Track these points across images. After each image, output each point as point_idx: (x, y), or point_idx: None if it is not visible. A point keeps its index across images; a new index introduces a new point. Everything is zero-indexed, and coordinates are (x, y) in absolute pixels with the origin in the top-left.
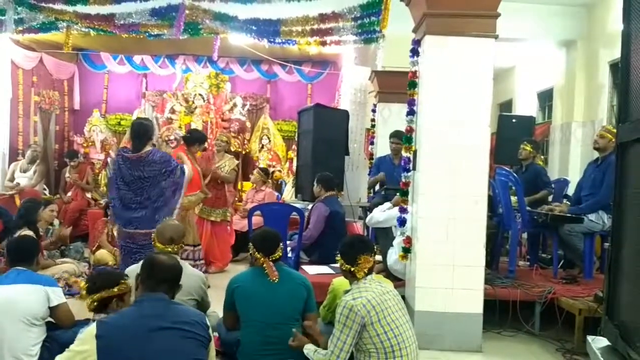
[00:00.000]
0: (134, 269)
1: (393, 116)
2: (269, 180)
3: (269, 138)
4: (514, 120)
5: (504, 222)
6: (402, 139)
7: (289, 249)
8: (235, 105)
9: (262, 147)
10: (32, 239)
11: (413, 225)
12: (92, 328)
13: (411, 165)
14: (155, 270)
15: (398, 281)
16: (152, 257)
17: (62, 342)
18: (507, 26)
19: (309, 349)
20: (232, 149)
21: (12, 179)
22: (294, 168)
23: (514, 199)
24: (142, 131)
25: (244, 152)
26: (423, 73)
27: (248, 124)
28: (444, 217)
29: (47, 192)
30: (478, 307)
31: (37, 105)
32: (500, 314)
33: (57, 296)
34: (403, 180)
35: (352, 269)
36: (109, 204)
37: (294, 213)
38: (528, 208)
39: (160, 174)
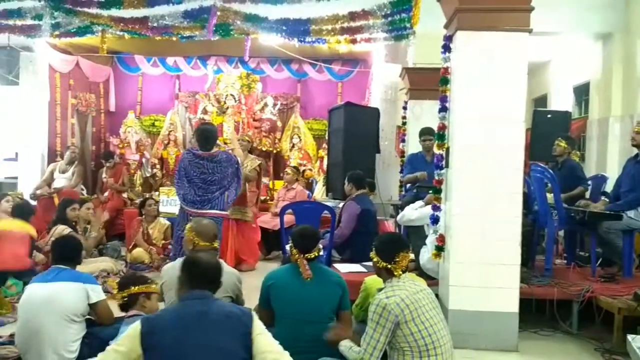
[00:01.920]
0: (170, 267)
1: (424, 113)
2: (300, 179)
3: (299, 137)
4: (549, 116)
5: (539, 219)
6: (435, 135)
7: (320, 246)
8: (266, 105)
9: (293, 146)
10: (76, 238)
11: (446, 223)
12: (137, 325)
13: (444, 163)
14: (200, 270)
15: (431, 280)
16: (195, 256)
17: (101, 338)
18: (542, 19)
19: (344, 345)
20: (263, 149)
21: (50, 180)
22: (325, 167)
23: (549, 195)
24: (207, 134)
25: (274, 152)
26: (455, 69)
27: (279, 124)
28: (478, 214)
29: (84, 192)
30: (514, 306)
31: (74, 108)
32: (536, 313)
33: (96, 293)
34: (436, 177)
35: (389, 267)
36: (178, 198)
37: (326, 211)
38: (564, 205)
39: (226, 169)
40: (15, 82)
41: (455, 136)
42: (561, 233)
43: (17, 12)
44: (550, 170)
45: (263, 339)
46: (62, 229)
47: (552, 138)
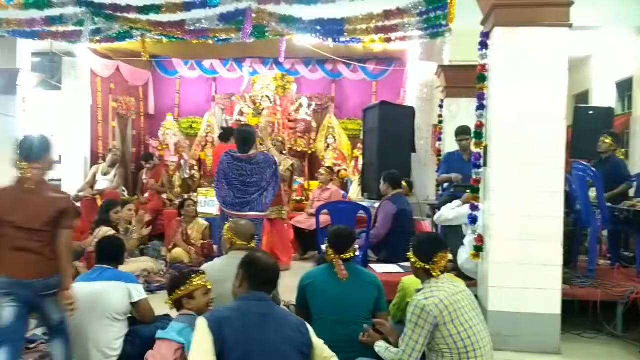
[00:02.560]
0: (208, 267)
1: (461, 111)
2: (335, 179)
3: (334, 137)
4: (591, 112)
5: (582, 218)
6: (472, 134)
7: (356, 247)
8: (301, 105)
9: (328, 146)
10: (119, 239)
11: (485, 223)
12: (201, 323)
13: (482, 161)
14: (261, 271)
15: (469, 281)
16: (257, 256)
17: (143, 336)
18: (581, 14)
19: (380, 346)
20: (298, 149)
21: (92, 182)
22: (360, 166)
23: (592, 194)
24: (246, 136)
25: (309, 152)
26: (493, 66)
27: (314, 124)
28: (518, 214)
29: (125, 193)
30: (556, 308)
31: (115, 111)
32: (579, 315)
33: (138, 292)
34: (474, 176)
35: (427, 267)
36: (219, 199)
37: (361, 211)
38: (608, 204)
39: (264, 171)
40: (58, 87)
41: (493, 134)
42: (604, 233)
43: (59, 18)
44: (593, 168)
45: (319, 345)
46: (105, 231)
47: (594, 135)
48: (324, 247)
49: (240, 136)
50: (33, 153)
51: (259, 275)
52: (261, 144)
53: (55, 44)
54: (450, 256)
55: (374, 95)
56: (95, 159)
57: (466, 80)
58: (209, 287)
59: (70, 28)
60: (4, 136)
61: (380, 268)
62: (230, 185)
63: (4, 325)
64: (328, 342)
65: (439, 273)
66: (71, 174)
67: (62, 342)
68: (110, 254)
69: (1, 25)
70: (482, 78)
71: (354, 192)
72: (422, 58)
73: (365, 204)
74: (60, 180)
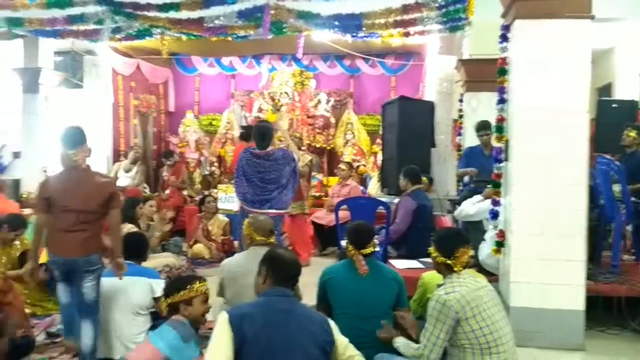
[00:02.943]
0: (227, 262)
1: (482, 105)
2: (354, 175)
3: (353, 133)
4: (614, 105)
5: (606, 213)
6: (493, 128)
7: (376, 242)
8: (319, 101)
9: (347, 142)
10: (142, 235)
11: (506, 218)
12: (223, 318)
13: (503, 156)
14: (284, 266)
15: (491, 276)
16: (279, 252)
17: None
18: (604, 5)
19: (400, 342)
20: (317, 145)
21: (115, 179)
22: (379, 162)
23: (616, 189)
24: (264, 131)
25: (328, 148)
26: (513, 59)
27: (332, 120)
28: (540, 209)
29: (147, 190)
30: (579, 304)
31: (136, 109)
32: (603, 311)
33: (160, 287)
34: (495, 171)
35: (449, 262)
36: (238, 196)
37: (381, 207)
38: (632, 198)
39: (283, 167)
40: (80, 86)
41: (514, 128)
42: (629, 228)
43: (80, 17)
44: (617, 162)
45: (343, 343)
46: (129, 227)
47: (618, 129)
48: (343, 242)
49: (259, 132)
50: (75, 141)
51: (282, 271)
52: (281, 140)
53: (76, 42)
54: (472, 251)
55: (392, 90)
56: (117, 157)
57: (486, 74)
58: (208, 295)
59: (91, 27)
60: (28, 134)
61: (400, 264)
62: (250, 182)
63: (65, 302)
64: (349, 338)
65: (461, 268)
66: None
67: (92, 323)
68: (133, 250)
69: (24, 25)
70: (503, 71)
71: (373, 188)
72: (441, 52)
73: (385, 199)
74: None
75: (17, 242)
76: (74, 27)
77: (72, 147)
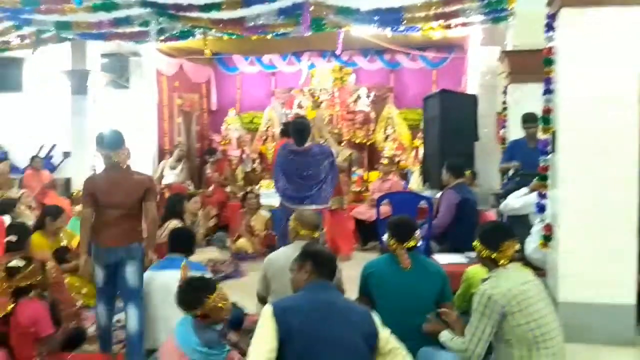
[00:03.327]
0: (274, 257)
1: (526, 97)
2: (395, 169)
3: (393, 127)
4: None
5: None
6: (540, 120)
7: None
8: (359, 96)
9: (387, 136)
10: (190, 230)
11: (554, 211)
12: (267, 310)
13: (550, 148)
14: (326, 260)
15: (538, 271)
16: (318, 247)
17: None
18: None
19: (445, 336)
20: (357, 141)
21: (161, 177)
22: (421, 157)
23: None
24: (302, 127)
25: (368, 143)
26: (560, 49)
27: (372, 115)
28: (589, 201)
29: (191, 187)
30: (631, 298)
31: (180, 108)
32: None
33: None
34: (541, 164)
35: (494, 256)
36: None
37: (423, 201)
38: None
39: (321, 162)
40: (126, 86)
41: (561, 119)
42: None
43: (125, 19)
44: None
45: (385, 335)
46: (175, 223)
47: None
48: (385, 237)
49: (296, 128)
50: (116, 143)
51: (324, 264)
52: (320, 137)
53: (122, 44)
54: (518, 245)
55: (434, 84)
56: (162, 155)
57: (531, 65)
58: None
59: (136, 29)
60: (77, 135)
61: (443, 258)
62: (289, 179)
63: (101, 285)
64: (392, 332)
65: (506, 262)
66: (141, 169)
67: (136, 308)
68: (182, 244)
69: (71, 28)
70: (549, 62)
71: (415, 183)
72: (483, 44)
73: (427, 194)
74: (143, 175)
75: (62, 235)
76: (120, 30)
77: (113, 149)
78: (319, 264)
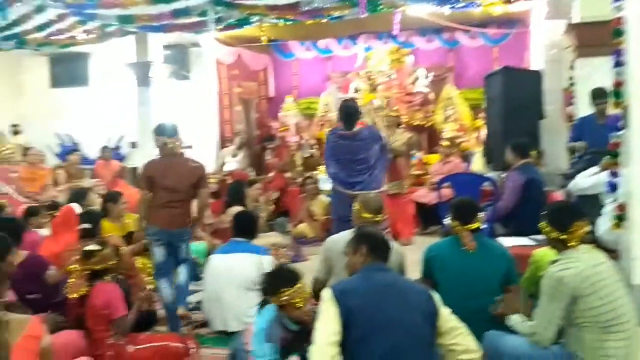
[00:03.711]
0: (331, 241)
1: (595, 72)
2: (456, 151)
3: (453, 108)
4: None
5: None
6: (611, 94)
7: (481, 217)
8: (417, 78)
9: (447, 118)
10: (253, 214)
11: (628, 190)
12: (327, 294)
13: (622, 123)
14: (380, 242)
15: (610, 253)
16: (371, 230)
17: None
18: None
19: (514, 320)
20: (416, 123)
21: (222, 164)
22: (483, 137)
23: None
24: (351, 111)
25: (428, 125)
26: (630, 18)
27: (431, 96)
28: None
29: (252, 173)
30: None
31: (239, 96)
32: None
33: (269, 264)
34: (613, 140)
35: (563, 237)
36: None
37: (486, 183)
38: None
39: (371, 146)
40: (187, 77)
41: (634, 93)
42: None
43: (184, 10)
44: None
45: (445, 314)
46: (238, 209)
47: None
48: (447, 220)
49: (345, 112)
50: (172, 131)
51: (378, 247)
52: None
53: (182, 36)
54: (588, 227)
55: (495, 62)
56: (223, 143)
57: (600, 38)
58: (308, 295)
59: (195, 19)
60: (142, 126)
61: (509, 241)
62: (339, 163)
63: (160, 261)
64: (457, 315)
65: (576, 243)
66: (203, 157)
67: (186, 268)
68: (245, 228)
69: (134, 21)
70: (619, 33)
71: (477, 165)
72: (548, 17)
73: (490, 175)
74: (197, 163)
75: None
76: (179, 21)
77: (169, 136)
78: (374, 246)
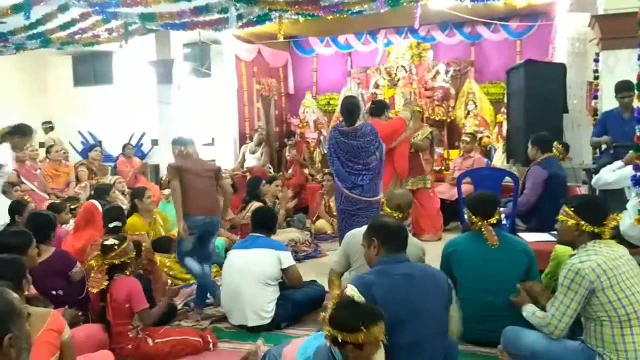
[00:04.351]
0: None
1: (620, 65)
2: (477, 146)
3: (474, 103)
4: None
5: None
6: (636, 87)
7: (502, 215)
8: (438, 72)
9: (468, 112)
10: (272, 210)
11: None
12: (350, 290)
13: None
14: (393, 232)
15: (634, 248)
16: (384, 220)
17: (293, 300)
18: None
19: (528, 309)
20: (436, 118)
21: (242, 160)
22: (504, 132)
23: None
24: (353, 108)
25: (448, 120)
26: None
27: (452, 91)
28: None
29: (271, 170)
30: None
31: (259, 93)
32: None
33: (287, 259)
34: (638, 134)
35: (597, 230)
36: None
37: (507, 178)
38: None
39: (372, 145)
40: (208, 74)
41: None
42: None
43: (204, 7)
44: None
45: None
46: (258, 205)
47: None
48: (466, 215)
49: (345, 107)
50: (190, 141)
51: (390, 237)
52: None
53: (203, 33)
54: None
55: (518, 55)
56: (242, 139)
57: (625, 30)
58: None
59: (215, 16)
60: (164, 123)
61: (530, 237)
62: (340, 160)
63: (187, 249)
64: (476, 310)
65: (609, 236)
66: (223, 154)
67: (209, 264)
68: (264, 223)
69: (155, 19)
70: None
71: (499, 160)
72: (572, 9)
73: (512, 170)
74: (214, 160)
75: (157, 218)
76: (200, 18)
77: (186, 145)
78: (386, 237)
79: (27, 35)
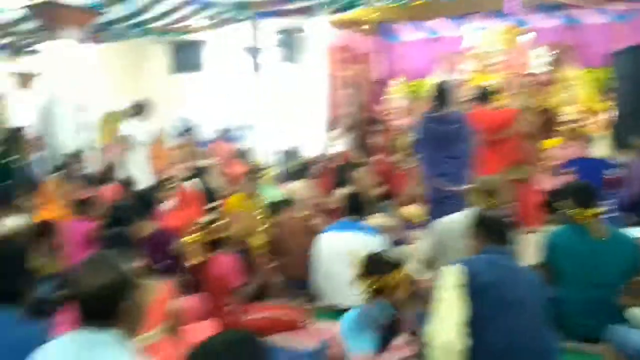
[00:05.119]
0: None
1: None
2: (577, 136)
3: (573, 89)
4: None
5: None
6: None
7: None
8: (535, 57)
9: (566, 99)
10: (365, 194)
11: None
12: (456, 271)
13: None
14: (493, 227)
15: None
16: (487, 214)
17: None
18: None
19: (634, 313)
20: (534, 106)
21: (331, 146)
22: (606, 120)
23: None
24: (443, 93)
25: (545, 108)
26: None
27: (549, 77)
28: None
29: (358, 156)
30: None
31: (347, 79)
32: None
33: (380, 244)
34: None
35: None
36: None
37: (611, 169)
38: None
39: (461, 132)
40: (297, 61)
41: None
42: None
43: None
44: None
45: None
46: (345, 190)
47: None
48: (563, 206)
49: (436, 93)
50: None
51: (494, 230)
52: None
53: (293, 20)
54: None
55: (622, 39)
56: (332, 125)
57: None
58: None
59: (306, 3)
60: (255, 109)
61: (637, 231)
62: (426, 148)
63: None
64: (578, 305)
65: None
66: (312, 140)
67: None
68: (356, 208)
69: (249, 8)
70: None
71: (600, 149)
72: None
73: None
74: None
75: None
76: (291, 6)
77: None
78: (490, 230)
79: (129, 24)
